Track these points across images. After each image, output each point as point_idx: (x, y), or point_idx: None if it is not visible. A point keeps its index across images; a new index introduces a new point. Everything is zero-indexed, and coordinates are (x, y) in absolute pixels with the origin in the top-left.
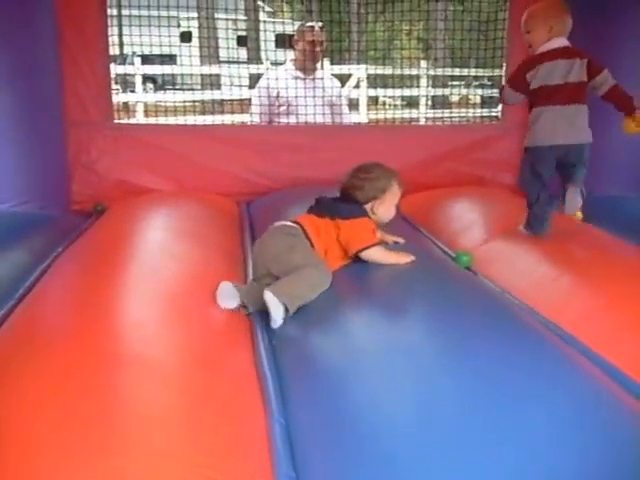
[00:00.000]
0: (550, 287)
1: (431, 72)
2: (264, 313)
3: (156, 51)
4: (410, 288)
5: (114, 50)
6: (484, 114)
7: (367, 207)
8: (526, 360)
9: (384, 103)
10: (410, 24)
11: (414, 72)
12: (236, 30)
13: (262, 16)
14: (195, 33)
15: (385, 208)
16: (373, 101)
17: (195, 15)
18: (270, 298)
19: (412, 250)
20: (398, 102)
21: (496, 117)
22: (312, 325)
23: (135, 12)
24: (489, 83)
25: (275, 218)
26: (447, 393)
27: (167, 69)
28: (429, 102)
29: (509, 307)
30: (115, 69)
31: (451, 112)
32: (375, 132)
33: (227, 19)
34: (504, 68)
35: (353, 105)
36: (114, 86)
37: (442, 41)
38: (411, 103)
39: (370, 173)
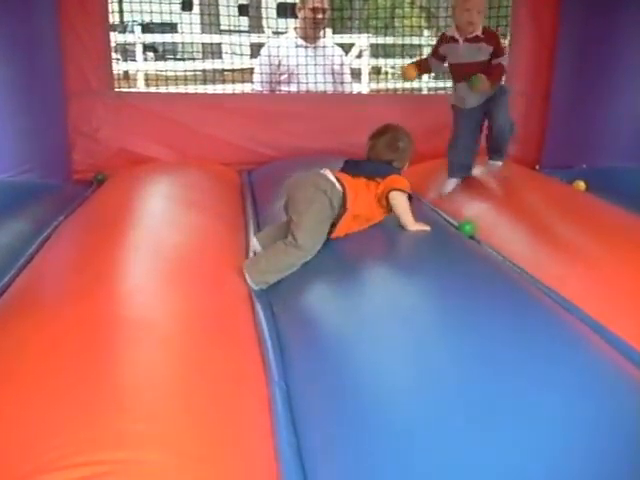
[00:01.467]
0: (552, 256)
1: (434, 41)
2: None
3: (156, 19)
4: (415, 255)
5: (114, 18)
6: None
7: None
8: (529, 329)
9: (387, 73)
10: None
11: (417, 42)
12: None
13: None
14: (196, 1)
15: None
16: (376, 71)
17: None
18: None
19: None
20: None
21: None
22: (313, 290)
23: None
24: None
25: (276, 187)
26: (450, 361)
27: (167, 38)
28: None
29: (511, 277)
30: (115, 38)
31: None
32: (377, 101)
33: None
34: (508, 38)
35: (355, 75)
36: (114, 55)
37: (445, 9)
38: None
39: (403, 141)
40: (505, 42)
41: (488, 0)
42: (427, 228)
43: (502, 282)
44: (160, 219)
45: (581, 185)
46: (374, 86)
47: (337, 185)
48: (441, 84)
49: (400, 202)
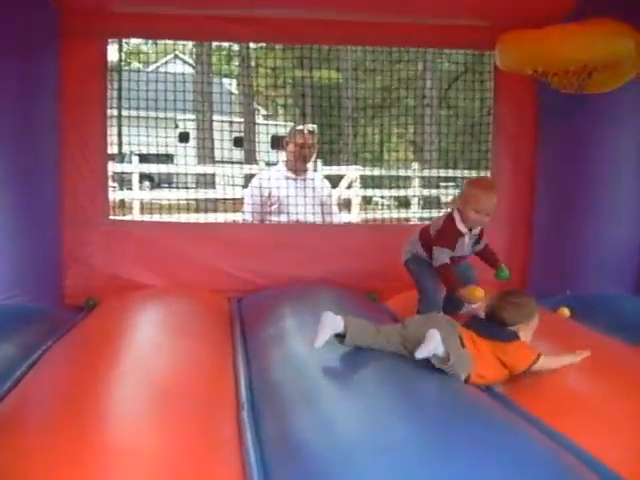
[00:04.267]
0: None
1: (422, 173)
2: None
3: (154, 150)
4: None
5: (113, 149)
6: None
7: (513, 329)
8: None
9: (377, 203)
10: (401, 127)
11: (406, 173)
12: (232, 131)
13: (258, 118)
14: (193, 134)
15: (527, 333)
16: (366, 201)
17: (193, 117)
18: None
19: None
20: (390, 202)
21: None
22: (300, 414)
23: (134, 113)
24: None
25: (265, 315)
26: None
27: (164, 168)
28: (421, 202)
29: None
30: (113, 167)
31: (440, 212)
32: (363, 231)
33: (223, 121)
34: (489, 171)
35: (345, 205)
36: (111, 183)
37: (430, 144)
38: (403, 203)
39: (518, 299)
40: (488, 174)
41: (470, 135)
42: (582, 356)
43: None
44: (149, 346)
45: (565, 312)
46: (364, 216)
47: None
48: (427, 214)
49: (547, 366)
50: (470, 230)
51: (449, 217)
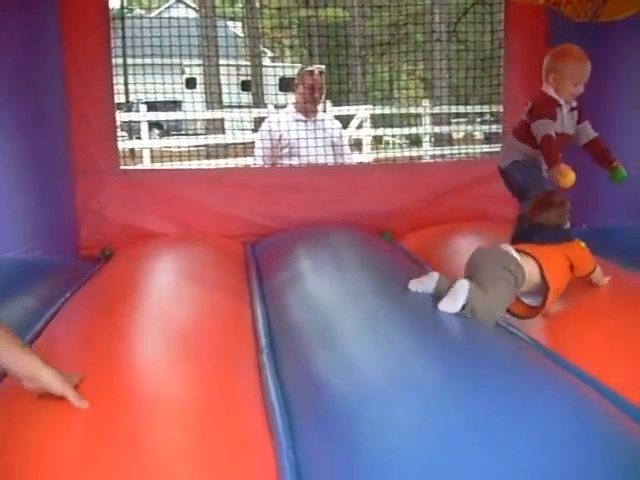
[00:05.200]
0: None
1: (433, 110)
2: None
3: (161, 98)
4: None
5: (120, 98)
6: (487, 149)
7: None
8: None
9: (387, 142)
10: (411, 64)
11: (416, 111)
12: (239, 75)
13: (265, 61)
14: (200, 79)
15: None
16: (377, 140)
17: (199, 62)
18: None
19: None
20: (401, 141)
21: (498, 152)
22: (320, 355)
23: (140, 60)
24: (492, 119)
25: (280, 258)
26: (459, 428)
27: (172, 115)
28: (432, 140)
29: (513, 343)
30: (121, 116)
31: (452, 149)
32: (378, 171)
33: (230, 65)
34: (502, 105)
35: (356, 145)
36: (120, 133)
37: (443, 80)
38: (414, 141)
39: (558, 197)
40: (500, 108)
41: (480, 69)
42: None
43: (500, 347)
44: (166, 294)
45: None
46: (375, 155)
47: (520, 262)
48: (438, 151)
49: (597, 279)
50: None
51: (540, 92)
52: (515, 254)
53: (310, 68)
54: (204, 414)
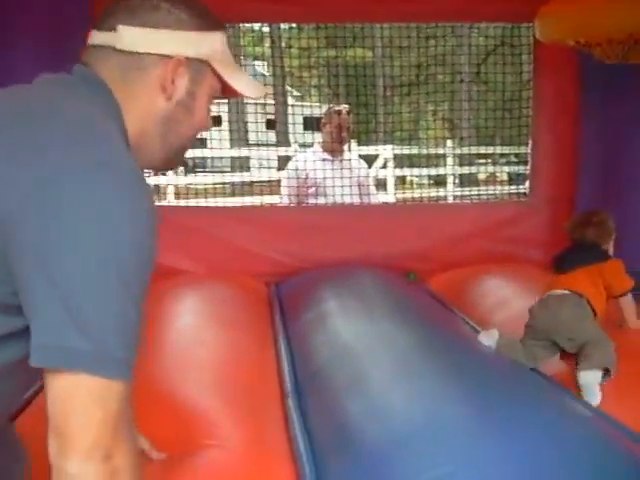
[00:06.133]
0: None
1: (457, 151)
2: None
3: None
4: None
5: None
6: (512, 191)
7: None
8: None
9: (411, 182)
10: (435, 104)
11: (440, 151)
12: (265, 114)
13: (290, 100)
14: (225, 117)
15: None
16: (401, 180)
17: (225, 100)
18: (586, 376)
19: (439, 329)
20: (425, 181)
21: (524, 194)
22: (350, 401)
23: None
24: (516, 160)
25: (305, 298)
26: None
27: (197, 152)
28: (456, 180)
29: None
30: None
31: (479, 190)
32: (403, 211)
33: (256, 103)
34: (530, 145)
35: (381, 185)
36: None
37: (467, 120)
38: (439, 182)
39: (601, 216)
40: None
41: (507, 111)
42: None
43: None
44: (189, 335)
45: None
46: (400, 195)
47: (577, 295)
48: (466, 192)
49: (629, 304)
50: None
51: None
52: (567, 292)
53: (338, 108)
54: (231, 465)
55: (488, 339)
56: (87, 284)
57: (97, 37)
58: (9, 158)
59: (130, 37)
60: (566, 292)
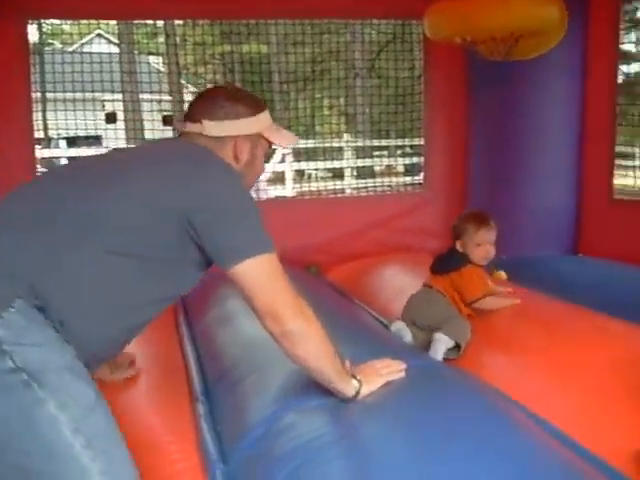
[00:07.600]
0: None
1: (354, 144)
2: None
3: (82, 133)
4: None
5: (39, 134)
6: (407, 182)
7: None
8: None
9: (309, 176)
10: (330, 98)
11: (337, 144)
12: (161, 110)
13: (186, 96)
14: (121, 114)
15: (473, 250)
16: (299, 174)
17: (120, 97)
18: (440, 337)
19: (346, 320)
20: (323, 174)
21: (419, 184)
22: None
23: (60, 95)
24: (411, 152)
25: (208, 298)
26: None
27: (93, 151)
28: (354, 173)
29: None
30: (41, 153)
31: (374, 182)
32: (300, 205)
33: (151, 100)
34: (422, 139)
35: (279, 179)
36: (40, 169)
37: (362, 114)
38: (336, 175)
39: (459, 219)
40: (421, 141)
41: (401, 105)
42: (515, 301)
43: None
44: None
45: (502, 275)
46: (299, 189)
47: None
48: (362, 184)
49: (488, 306)
50: None
51: None
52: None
53: None
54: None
55: (405, 333)
56: (246, 214)
57: (188, 126)
58: (181, 179)
59: (209, 127)
60: (431, 289)
